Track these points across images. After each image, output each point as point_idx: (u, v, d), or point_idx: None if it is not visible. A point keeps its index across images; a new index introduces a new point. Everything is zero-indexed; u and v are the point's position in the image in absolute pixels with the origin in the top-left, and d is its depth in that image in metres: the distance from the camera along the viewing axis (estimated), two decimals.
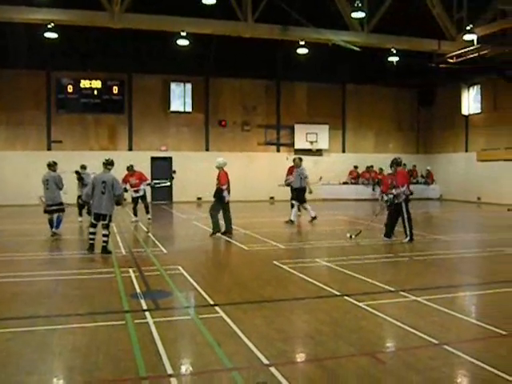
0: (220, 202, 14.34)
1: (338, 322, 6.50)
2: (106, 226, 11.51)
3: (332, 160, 29.92)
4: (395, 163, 13.38)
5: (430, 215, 22.92)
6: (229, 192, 14.40)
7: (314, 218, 17.70)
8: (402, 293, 7.80)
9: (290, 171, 20.87)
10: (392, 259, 11.01)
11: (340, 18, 20.80)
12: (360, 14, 19.37)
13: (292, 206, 17.72)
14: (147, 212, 17.89)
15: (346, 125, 30.86)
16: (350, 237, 13.39)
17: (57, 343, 5.84)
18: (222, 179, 14.25)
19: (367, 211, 23.86)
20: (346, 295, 7.64)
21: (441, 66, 23.89)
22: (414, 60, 23.85)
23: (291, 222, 17.18)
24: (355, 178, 29.98)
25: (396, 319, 6.47)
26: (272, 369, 4.99)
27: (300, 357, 5.62)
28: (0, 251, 11.92)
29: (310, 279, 8.74)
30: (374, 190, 29.24)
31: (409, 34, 21.86)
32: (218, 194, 14.33)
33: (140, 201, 17.85)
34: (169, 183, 22.75)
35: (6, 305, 7.36)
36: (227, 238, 13.84)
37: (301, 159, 18.14)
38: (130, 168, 18.07)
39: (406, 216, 13.09)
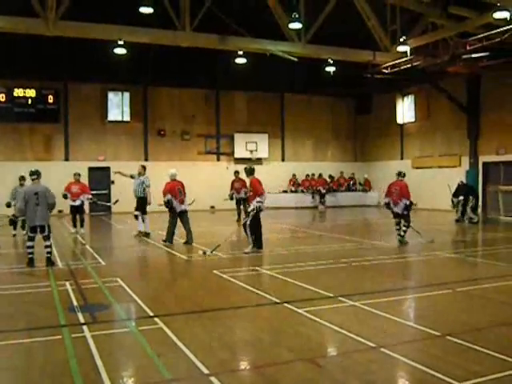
0: (172, 212, 14.50)
1: (277, 329, 6.55)
2: (47, 238, 11.25)
3: (272, 169, 30.14)
4: (248, 172, 13.43)
5: (368, 222, 23.43)
6: (182, 202, 14.48)
7: (146, 234, 16.37)
8: (341, 298, 7.93)
9: (233, 185, 21.08)
10: (331, 265, 11.16)
11: (278, 29, 21.04)
12: (297, 25, 19.65)
13: (136, 217, 16.68)
14: (81, 226, 17.54)
15: (285, 134, 31.21)
16: (204, 253, 12.55)
17: None
18: (164, 189, 14.47)
19: (307, 219, 24.21)
20: (286, 302, 7.70)
21: (376, 76, 24.50)
22: (350, 70, 24.37)
23: (146, 234, 16.38)
24: (294, 186, 30.30)
25: (335, 324, 6.57)
26: (212, 378, 4.97)
27: (240, 365, 5.63)
28: None
29: (250, 287, 8.78)
30: (313, 197, 29.66)
31: (345, 44, 22.34)
32: (168, 206, 14.46)
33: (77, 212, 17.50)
34: (112, 205, 22.09)
35: None
36: (167, 249, 13.72)
37: (144, 167, 17.13)
38: (77, 176, 17.74)
39: (249, 226, 12.83)
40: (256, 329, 6.59)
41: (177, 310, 7.60)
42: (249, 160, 29.10)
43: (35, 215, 11.11)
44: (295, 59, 21.86)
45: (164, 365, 5.30)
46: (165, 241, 14.43)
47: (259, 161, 29.91)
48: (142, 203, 16.46)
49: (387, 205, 14.55)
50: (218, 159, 29.59)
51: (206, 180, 27.81)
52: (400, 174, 14.81)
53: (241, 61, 22.70)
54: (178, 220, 14.61)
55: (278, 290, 8.57)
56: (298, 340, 6.11)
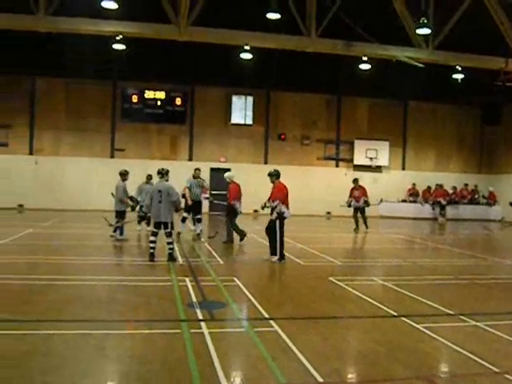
0: (233, 214, 15.05)
1: (394, 343, 6.36)
2: (169, 234, 11.69)
3: (391, 177, 29.52)
4: (275, 175, 12.54)
5: (492, 237, 22.27)
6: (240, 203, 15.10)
7: (198, 235, 16.35)
8: (462, 317, 7.58)
9: (352, 192, 20.64)
10: (452, 281, 10.72)
11: (405, 35, 20.59)
12: (425, 31, 19.13)
13: (199, 220, 16.53)
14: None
15: (406, 142, 30.41)
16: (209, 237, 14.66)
17: (113, 348, 5.96)
18: (233, 194, 14.94)
19: (425, 230, 23.43)
20: (403, 316, 7.49)
21: (508, 84, 23.25)
22: (479, 77, 23.33)
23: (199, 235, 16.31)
24: (413, 195, 29.43)
25: (455, 344, 6.28)
26: None
27: (354, 376, 5.53)
28: (62, 255, 12.30)
29: (366, 297, 8.63)
30: (433, 209, 28.66)
31: (475, 50, 21.43)
32: (231, 208, 14.99)
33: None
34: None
35: (66, 308, 7.56)
36: (284, 252, 13.78)
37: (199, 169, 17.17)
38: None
39: (278, 234, 12.21)
40: (372, 341, 6.45)
41: (292, 314, 7.62)
42: (368, 167, 28.79)
43: (159, 212, 11.62)
44: (422, 66, 21.28)
45: (278, 368, 5.33)
46: (241, 240, 15.16)
47: (379, 168, 29.41)
48: (199, 205, 16.74)
49: None
50: (337, 165, 29.40)
51: (324, 186, 27.81)
52: None
53: (365, 67, 22.44)
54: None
55: (394, 303, 8.36)
56: (415, 356, 5.91)
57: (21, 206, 25.96)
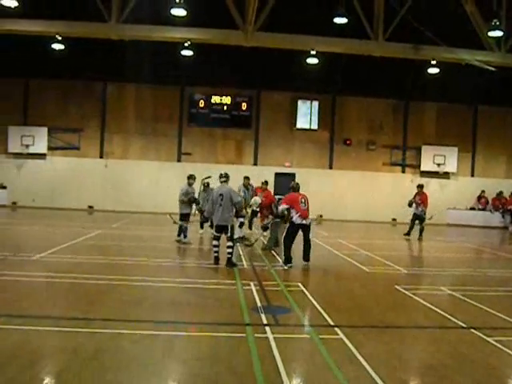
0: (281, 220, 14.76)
1: (463, 356, 6.18)
2: (230, 238, 11.71)
3: (459, 184, 28.72)
4: (290, 188, 12.56)
5: None
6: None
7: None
8: None
9: (415, 198, 20.03)
10: None
11: (475, 37, 20.05)
12: (497, 33, 18.58)
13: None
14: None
15: (476, 148, 29.49)
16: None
17: (181, 349, 6.06)
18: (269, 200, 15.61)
19: (495, 240, 22.69)
20: (473, 328, 7.27)
21: None
22: None
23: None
24: (482, 203, 28.51)
25: None
26: None
27: None
28: (128, 255, 12.59)
29: (433, 307, 8.42)
30: (503, 217, 27.72)
31: None
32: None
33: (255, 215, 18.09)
34: None
35: (132, 308, 7.75)
36: (348, 258, 13.68)
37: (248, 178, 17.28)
38: (264, 184, 18.27)
39: (283, 236, 12.13)
40: (439, 352, 6.28)
41: (358, 322, 7.54)
42: (436, 174, 28.14)
43: (219, 216, 11.70)
44: (493, 69, 20.64)
45: (344, 378, 5.27)
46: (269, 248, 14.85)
47: (446, 175, 28.67)
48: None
49: None
50: (403, 171, 28.86)
51: (389, 192, 27.36)
52: None
53: (433, 71, 21.99)
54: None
55: (463, 314, 8.12)
56: (485, 371, 5.72)
57: (90, 207, 26.86)
